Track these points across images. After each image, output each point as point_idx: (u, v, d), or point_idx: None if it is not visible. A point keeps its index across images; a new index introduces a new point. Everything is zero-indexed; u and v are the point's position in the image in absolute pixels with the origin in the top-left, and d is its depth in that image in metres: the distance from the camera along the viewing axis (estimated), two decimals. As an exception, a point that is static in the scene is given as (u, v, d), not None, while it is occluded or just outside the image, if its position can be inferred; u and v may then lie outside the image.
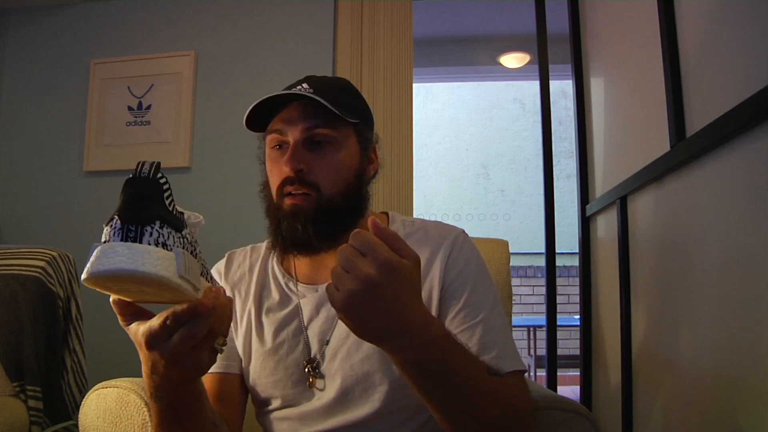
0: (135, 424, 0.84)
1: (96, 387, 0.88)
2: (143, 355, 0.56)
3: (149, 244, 0.49)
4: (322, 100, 0.77)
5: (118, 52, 2.31)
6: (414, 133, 2.17)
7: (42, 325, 1.37)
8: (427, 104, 6.16)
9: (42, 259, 1.43)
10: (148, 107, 2.25)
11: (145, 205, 0.50)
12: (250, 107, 0.82)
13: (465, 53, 3.26)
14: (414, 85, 2.17)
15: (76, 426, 0.91)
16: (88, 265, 0.49)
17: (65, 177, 2.28)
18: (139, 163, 0.53)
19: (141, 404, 0.85)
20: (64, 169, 2.28)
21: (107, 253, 0.48)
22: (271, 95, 0.80)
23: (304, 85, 0.81)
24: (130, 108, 2.26)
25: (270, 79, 2.22)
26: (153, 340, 0.53)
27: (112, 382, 0.88)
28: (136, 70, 2.28)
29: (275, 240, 0.82)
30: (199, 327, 0.53)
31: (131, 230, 0.49)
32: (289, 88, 0.82)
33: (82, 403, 0.88)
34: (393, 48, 2.16)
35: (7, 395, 1.28)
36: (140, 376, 0.90)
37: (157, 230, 0.49)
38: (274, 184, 0.82)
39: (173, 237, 0.51)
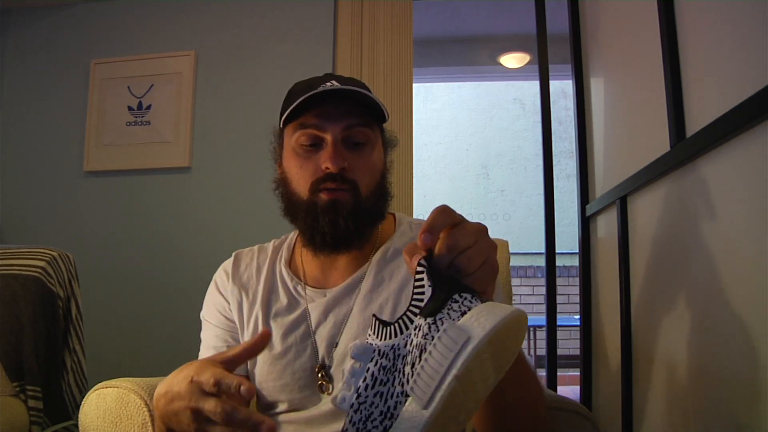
0: (135, 424, 0.84)
1: (96, 387, 0.88)
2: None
3: None
4: (377, 99, 0.78)
5: (118, 52, 2.31)
6: (414, 133, 2.17)
7: (42, 325, 1.37)
8: (427, 104, 6.16)
9: (42, 259, 1.44)
10: (148, 107, 2.25)
11: None
12: (298, 101, 0.77)
13: (465, 53, 3.26)
14: (414, 85, 2.17)
15: (76, 426, 0.91)
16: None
17: (65, 177, 2.28)
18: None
19: (141, 404, 0.85)
20: (64, 169, 2.29)
21: None
22: (325, 88, 0.77)
23: (333, 82, 0.80)
24: (130, 108, 2.26)
25: (270, 79, 2.22)
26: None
27: (112, 382, 0.88)
28: (136, 70, 2.28)
29: (311, 237, 0.80)
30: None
31: None
32: (315, 85, 0.79)
33: (82, 403, 0.88)
34: (393, 48, 2.16)
35: (7, 395, 1.28)
36: (140, 376, 0.91)
37: None
38: (305, 180, 0.79)
39: None
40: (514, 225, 5.94)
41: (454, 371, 0.42)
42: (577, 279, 1.67)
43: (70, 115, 2.31)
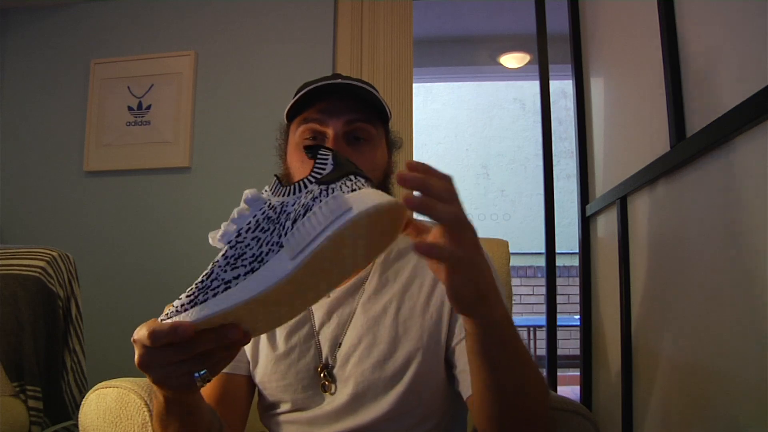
0: (135, 424, 0.84)
1: (96, 387, 0.88)
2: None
3: None
4: (378, 94, 0.77)
5: (118, 52, 2.31)
6: (414, 133, 2.17)
7: (42, 325, 1.37)
8: (427, 104, 6.16)
9: (42, 259, 1.43)
10: (148, 107, 2.25)
11: None
12: (301, 94, 0.78)
13: (465, 53, 3.26)
14: (414, 85, 2.17)
15: (76, 426, 0.91)
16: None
17: (65, 177, 2.28)
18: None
19: (141, 404, 0.85)
20: (64, 169, 2.29)
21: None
22: (328, 82, 0.77)
23: (340, 81, 0.80)
24: (130, 108, 2.26)
25: (270, 79, 2.22)
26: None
27: (112, 382, 0.88)
28: (136, 70, 2.28)
29: None
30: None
31: None
32: (321, 83, 0.80)
33: (82, 403, 0.88)
34: (393, 48, 2.16)
35: (7, 395, 1.28)
36: (140, 376, 0.91)
37: None
38: (305, 174, 0.80)
39: None
40: (514, 225, 5.94)
41: (329, 232, 0.46)
42: (577, 279, 1.67)
43: (70, 115, 2.31)
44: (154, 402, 0.62)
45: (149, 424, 0.84)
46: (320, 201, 0.49)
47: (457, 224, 0.50)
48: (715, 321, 0.85)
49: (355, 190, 0.50)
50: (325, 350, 0.81)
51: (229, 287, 0.49)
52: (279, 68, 2.22)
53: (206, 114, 2.24)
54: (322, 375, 0.80)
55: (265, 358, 0.83)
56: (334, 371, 0.80)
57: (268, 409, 0.85)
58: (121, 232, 2.22)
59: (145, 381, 0.89)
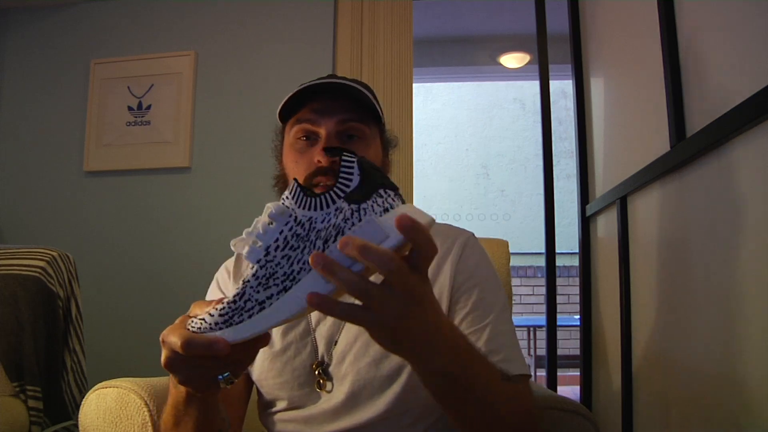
0: (135, 424, 0.84)
1: (96, 387, 0.89)
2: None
3: None
4: (368, 94, 0.78)
5: (118, 52, 2.31)
6: (414, 133, 2.17)
7: (42, 325, 1.37)
8: (427, 104, 6.16)
9: (42, 259, 1.43)
10: (148, 107, 2.25)
11: None
12: (291, 94, 0.79)
13: (465, 53, 3.26)
14: (414, 85, 2.17)
15: (76, 426, 0.91)
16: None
17: (65, 177, 2.28)
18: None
19: (141, 404, 0.85)
20: (64, 169, 2.29)
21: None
22: (320, 81, 0.78)
23: (331, 80, 0.81)
24: (130, 108, 2.26)
25: (270, 79, 2.22)
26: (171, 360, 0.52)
27: (112, 382, 0.88)
28: (136, 70, 2.28)
29: None
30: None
31: None
32: (314, 82, 0.81)
33: (82, 403, 0.88)
34: (393, 48, 2.16)
35: (7, 395, 1.28)
36: (140, 376, 0.91)
37: None
38: (299, 175, 0.79)
39: None
40: (514, 225, 5.94)
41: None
42: (577, 279, 1.67)
43: (70, 115, 2.31)
44: (172, 393, 0.62)
45: (149, 424, 0.84)
46: (352, 223, 0.48)
47: (360, 294, 0.46)
48: (714, 321, 0.85)
49: (387, 209, 0.48)
50: (321, 348, 0.81)
51: (264, 308, 0.49)
52: (279, 68, 2.22)
53: (206, 114, 2.24)
54: (317, 372, 0.80)
55: (261, 356, 0.83)
56: (330, 369, 0.80)
57: (266, 407, 0.85)
58: (121, 232, 2.22)
59: (146, 381, 0.89)
